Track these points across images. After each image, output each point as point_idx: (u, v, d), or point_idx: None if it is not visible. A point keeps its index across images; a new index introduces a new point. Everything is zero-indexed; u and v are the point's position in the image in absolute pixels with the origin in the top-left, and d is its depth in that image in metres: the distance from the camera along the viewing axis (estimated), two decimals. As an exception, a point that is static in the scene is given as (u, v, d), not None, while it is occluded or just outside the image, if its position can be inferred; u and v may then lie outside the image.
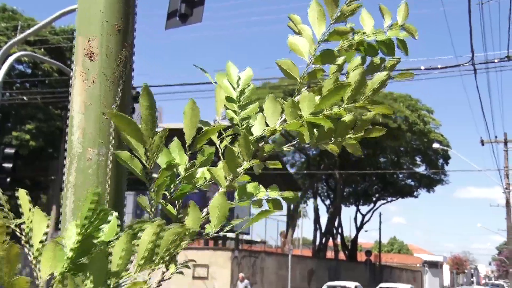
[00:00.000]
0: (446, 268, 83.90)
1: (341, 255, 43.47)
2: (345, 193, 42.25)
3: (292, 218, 32.14)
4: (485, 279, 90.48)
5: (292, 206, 34.88)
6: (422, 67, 13.63)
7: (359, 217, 45.28)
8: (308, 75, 1.27)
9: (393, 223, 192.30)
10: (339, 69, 1.28)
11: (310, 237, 46.47)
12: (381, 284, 25.50)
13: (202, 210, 1.25)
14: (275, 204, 1.37)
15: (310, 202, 41.84)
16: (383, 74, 1.21)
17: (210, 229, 1.21)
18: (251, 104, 1.34)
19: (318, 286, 27.19)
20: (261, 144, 1.29)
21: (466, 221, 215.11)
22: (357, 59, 1.30)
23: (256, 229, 41.87)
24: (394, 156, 38.24)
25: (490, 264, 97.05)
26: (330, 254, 42.70)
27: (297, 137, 1.29)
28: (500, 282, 59.44)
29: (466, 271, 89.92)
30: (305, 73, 1.26)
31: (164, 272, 1.19)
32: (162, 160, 1.18)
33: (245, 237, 30.46)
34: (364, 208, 45.99)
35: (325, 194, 42.94)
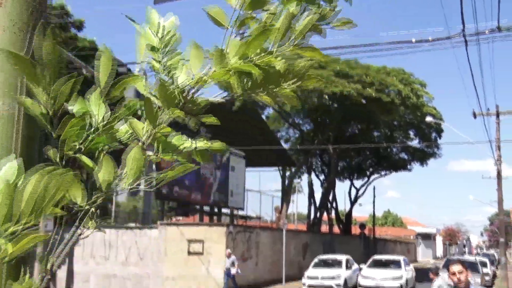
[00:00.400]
0: (439, 240, 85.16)
1: (336, 229, 43.91)
2: (339, 168, 42.47)
3: (287, 194, 32.36)
4: (477, 249, 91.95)
5: (286, 181, 35.13)
6: (413, 40, 13.57)
7: (353, 192, 45.68)
8: (239, 24, 1.19)
9: (387, 197, 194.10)
10: (273, 17, 1.20)
11: (305, 212, 46.98)
12: (374, 256, 25.85)
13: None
14: (203, 156, 1.31)
15: (305, 177, 42.09)
16: (310, 17, 1.16)
17: (126, 183, 1.17)
18: (175, 53, 1.25)
19: (312, 260, 27.54)
20: (189, 95, 1.22)
21: (459, 193, 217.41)
22: (294, 7, 1.21)
23: (251, 205, 42.14)
24: (388, 130, 38.36)
25: (482, 234, 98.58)
26: (324, 228, 43.13)
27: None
28: (491, 251, 60.43)
29: (458, 242, 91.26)
30: (234, 19, 1.18)
31: (79, 229, 1.16)
32: (74, 108, 1.12)
33: (240, 212, 30.71)
34: (358, 183, 46.37)
35: (319, 169, 43.16)
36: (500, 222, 27.32)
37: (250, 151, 28.40)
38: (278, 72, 1.18)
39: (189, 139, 1.29)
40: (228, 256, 19.91)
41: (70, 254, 21.35)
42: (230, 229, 21.96)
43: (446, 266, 24.21)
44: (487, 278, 26.93)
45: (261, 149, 27.75)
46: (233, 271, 19.65)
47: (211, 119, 1.29)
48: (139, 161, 1.14)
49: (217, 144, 1.27)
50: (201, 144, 1.27)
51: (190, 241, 20.88)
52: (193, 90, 1.21)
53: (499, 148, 25.18)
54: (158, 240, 21.02)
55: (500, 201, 25.85)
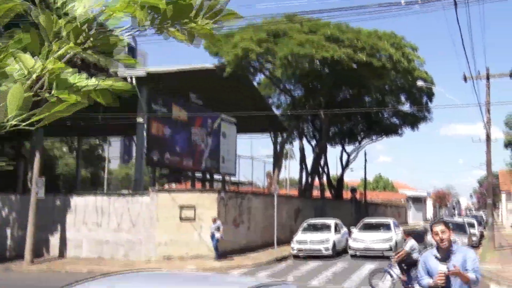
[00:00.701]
0: (429, 203, 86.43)
1: (328, 194, 44.38)
2: (330, 133, 42.60)
3: (278, 159, 32.52)
4: (466, 211, 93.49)
5: (278, 147, 35.21)
6: (403, 2, 13.41)
7: (345, 157, 45.97)
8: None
9: (379, 162, 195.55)
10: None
11: (297, 177, 47.24)
12: (364, 219, 26.25)
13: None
14: (104, 96, 1.25)
15: (296, 143, 42.23)
16: None
17: (5, 118, 1.12)
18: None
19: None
20: (92, 30, 1.15)
21: (450, 157, 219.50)
22: None
23: (243, 171, 42.33)
24: (379, 95, 38.33)
25: (471, 197, 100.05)
26: (316, 193, 43.59)
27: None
28: (480, 213, 61.48)
29: (448, 204, 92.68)
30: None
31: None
32: None
33: (232, 178, 30.90)
34: (349, 148, 46.63)
35: (311, 134, 43.26)
36: (488, 184, 27.69)
37: (241, 118, 28.39)
38: (190, 6, 1.12)
39: (91, 78, 1.23)
40: (214, 221, 20.07)
41: (62, 221, 21.51)
42: (221, 195, 22.12)
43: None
44: (474, 238, 27.49)
45: (252, 115, 27.72)
46: (217, 235, 19.78)
47: (131, 61, 1.22)
48: (19, 97, 1.07)
49: (119, 84, 1.20)
50: (102, 83, 1.20)
51: (182, 207, 21.05)
52: (95, 25, 1.14)
53: (488, 111, 25.30)
54: (150, 206, 21.17)
55: (488, 164, 26.14)
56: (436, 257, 5.23)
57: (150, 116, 22.53)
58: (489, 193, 27.49)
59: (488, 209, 28.16)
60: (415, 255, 13.13)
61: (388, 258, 21.12)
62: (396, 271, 13.40)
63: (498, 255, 23.39)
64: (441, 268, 5.06)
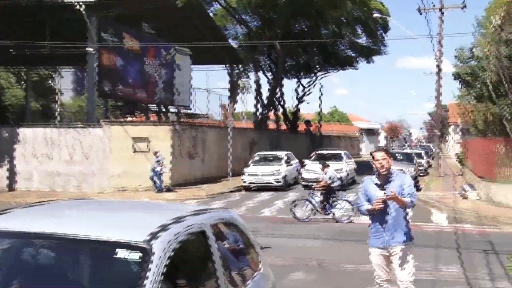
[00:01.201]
0: (382, 135, 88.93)
1: (283, 127, 44.84)
2: (286, 66, 42.43)
3: (234, 91, 32.30)
4: (416, 143, 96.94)
5: (233, 78, 34.88)
6: None
7: (301, 90, 46.18)
8: None
9: (336, 94, 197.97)
10: None
11: (253, 111, 47.34)
12: (317, 151, 26.79)
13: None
14: None
15: (253, 76, 41.96)
16: None
17: None
18: None
19: (258, 155, 28.20)
20: None
21: (404, 90, 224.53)
22: None
23: (199, 103, 42.01)
24: (335, 27, 38.07)
25: (422, 129, 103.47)
26: (272, 125, 43.96)
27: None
28: (429, 144, 63.89)
29: (400, 136, 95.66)
30: None
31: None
32: None
33: (188, 111, 30.61)
34: (305, 80, 46.76)
35: (267, 66, 42.97)
36: (437, 116, 28.61)
37: (196, 49, 27.74)
38: None
39: None
40: (155, 154, 19.77)
41: (10, 153, 21.00)
42: (175, 127, 21.98)
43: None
44: (421, 168, 28.70)
45: (208, 46, 27.10)
46: (159, 169, 19.57)
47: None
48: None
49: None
50: None
51: (135, 140, 20.85)
52: None
53: (440, 43, 25.65)
54: (103, 138, 20.87)
55: (438, 96, 26.86)
56: (375, 184, 5.43)
57: (101, 45, 21.70)
58: (437, 124, 28.45)
59: (436, 140, 29.26)
60: (335, 184, 14.35)
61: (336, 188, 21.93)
62: (317, 199, 14.45)
63: (442, 183, 24.62)
64: (379, 194, 5.27)
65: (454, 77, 26.88)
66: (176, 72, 27.15)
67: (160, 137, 21.18)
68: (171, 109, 29.24)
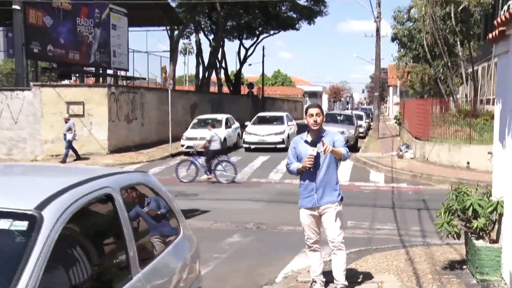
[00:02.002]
0: (325, 97, 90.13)
1: (226, 89, 44.33)
2: (228, 27, 41.62)
3: (173, 52, 31.37)
4: (358, 105, 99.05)
5: (174, 40, 33.83)
6: None
7: (243, 51, 45.59)
8: None
9: (280, 58, 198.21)
10: None
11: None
12: (259, 113, 26.64)
13: None
14: None
15: (194, 39, 40.90)
16: None
17: None
18: None
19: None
20: None
21: (346, 53, 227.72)
22: None
23: (138, 65, 40.66)
24: (277, -12, 37.55)
25: (363, 91, 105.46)
26: (214, 88, 43.37)
27: None
28: (370, 106, 65.36)
29: (342, 99, 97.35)
30: None
31: None
32: None
33: (127, 74, 29.46)
34: (247, 43, 46.18)
35: (208, 28, 42.00)
36: (376, 78, 29.02)
37: (133, 8, 26.53)
38: None
39: None
40: (66, 121, 18.53)
41: None
42: (111, 90, 21.10)
43: (325, 120, 25.78)
44: (361, 130, 29.24)
45: (145, 5, 25.97)
46: (69, 136, 18.33)
47: None
48: None
49: None
50: None
51: (69, 103, 19.87)
52: None
53: (379, 4, 25.77)
54: (33, 102, 19.76)
55: (377, 57, 27.16)
56: (306, 142, 5.24)
57: (27, 2, 20.26)
58: (376, 86, 28.88)
59: (375, 102, 29.76)
60: (213, 145, 14.93)
61: (280, 150, 21.99)
62: (200, 160, 14.95)
63: (380, 144, 25.18)
64: (311, 151, 5.10)
65: (392, 39, 27.27)
66: (111, 32, 25.89)
67: (96, 100, 20.30)
68: (110, 72, 28.05)
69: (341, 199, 5.30)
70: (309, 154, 5.10)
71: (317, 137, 5.17)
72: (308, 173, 5.22)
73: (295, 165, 5.30)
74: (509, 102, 4.94)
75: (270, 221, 9.85)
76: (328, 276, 5.37)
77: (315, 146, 5.13)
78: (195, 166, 14.90)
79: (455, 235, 5.47)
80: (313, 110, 5.24)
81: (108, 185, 2.75)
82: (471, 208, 5.22)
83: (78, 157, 18.87)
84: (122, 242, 2.68)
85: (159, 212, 3.41)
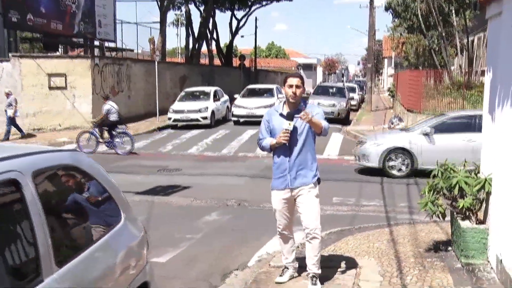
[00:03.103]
0: (319, 70, 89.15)
1: (217, 62, 43.48)
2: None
3: (162, 23, 30.51)
4: (353, 78, 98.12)
5: (162, 10, 32.93)
6: None
7: (235, 23, 44.59)
8: None
9: (276, 30, 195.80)
10: None
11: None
12: (248, 86, 26.00)
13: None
14: None
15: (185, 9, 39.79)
16: None
17: None
18: None
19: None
20: None
21: (342, 25, 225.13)
22: None
23: (127, 37, 39.76)
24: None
25: (358, 64, 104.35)
26: (205, 61, 42.53)
27: None
28: (365, 79, 64.70)
29: (337, 71, 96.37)
30: None
31: None
32: None
33: (112, 45, 28.66)
34: (240, 14, 45.15)
35: (200, -1, 40.92)
36: (369, 49, 28.35)
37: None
38: None
39: None
40: (7, 96, 17.54)
41: None
42: (95, 61, 20.43)
43: (316, 92, 25.22)
44: (353, 102, 28.72)
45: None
46: (9, 112, 17.30)
47: None
48: None
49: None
50: None
51: (50, 75, 19.24)
52: None
53: (373, -27, 24.96)
54: (13, 74, 19.10)
55: (371, 28, 26.47)
56: (282, 115, 4.72)
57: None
58: (369, 57, 28.26)
59: (368, 74, 29.18)
60: (112, 117, 14.85)
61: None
62: (97, 132, 15.01)
63: (373, 117, 24.71)
64: (286, 126, 4.58)
65: (386, 8, 26.56)
66: (96, 1, 25.01)
67: (79, 72, 19.66)
68: (97, 43, 27.21)
69: (318, 181, 4.76)
70: (285, 129, 4.57)
71: (294, 111, 4.65)
72: (282, 150, 4.70)
73: (268, 141, 4.77)
74: (500, 70, 4.46)
75: (252, 197, 9.47)
76: (302, 261, 4.96)
77: (292, 119, 4.60)
78: (95, 138, 14.95)
79: (440, 215, 5.06)
80: (293, 80, 4.67)
81: (14, 169, 2.28)
82: (457, 186, 4.79)
83: (23, 135, 17.64)
84: (31, 238, 2.23)
85: (93, 199, 2.95)
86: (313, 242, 4.67)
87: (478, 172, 5.17)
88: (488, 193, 4.64)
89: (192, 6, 39.06)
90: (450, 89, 19.22)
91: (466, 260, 4.74)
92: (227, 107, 23.77)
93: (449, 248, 5.41)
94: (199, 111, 20.87)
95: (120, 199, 3.18)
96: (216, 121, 21.92)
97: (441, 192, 5.07)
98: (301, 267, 5.00)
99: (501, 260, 4.12)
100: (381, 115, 25.25)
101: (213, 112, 21.39)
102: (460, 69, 24.54)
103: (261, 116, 20.41)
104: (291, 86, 4.65)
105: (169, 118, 21.01)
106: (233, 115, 22.23)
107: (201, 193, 9.87)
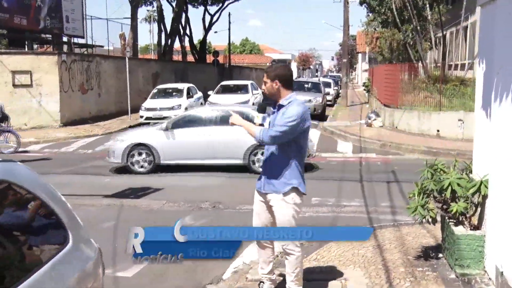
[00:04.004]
0: (293, 65, 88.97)
1: (191, 58, 42.74)
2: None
3: (132, 18, 29.69)
4: (327, 73, 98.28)
5: (133, 4, 32.10)
6: None
7: (208, 18, 43.91)
8: None
9: (250, 26, 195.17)
10: None
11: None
12: (222, 82, 25.44)
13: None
14: None
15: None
16: None
17: None
18: None
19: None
20: None
21: (316, 19, 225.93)
22: None
23: (98, 33, 38.70)
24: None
25: (332, 59, 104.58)
26: (178, 57, 41.76)
27: None
28: (339, 74, 64.70)
29: (311, 66, 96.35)
30: None
31: None
32: None
33: (81, 41, 27.73)
34: (213, 9, 44.50)
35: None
36: (344, 43, 28.07)
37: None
38: None
39: None
40: None
41: None
42: (62, 58, 19.60)
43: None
44: (329, 97, 28.43)
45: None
46: None
47: None
48: None
49: None
50: None
51: (14, 72, 18.36)
52: None
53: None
54: (-26, 72, 18.19)
55: (345, 22, 26.18)
56: (257, 108, 4.30)
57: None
58: (344, 52, 27.99)
59: (343, 68, 28.92)
60: None
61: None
62: None
63: (349, 112, 24.48)
64: (255, 119, 4.20)
65: (361, 3, 26.30)
66: (63, -4, 24.09)
67: (45, 69, 18.83)
68: (65, 39, 26.25)
69: (297, 191, 4.11)
70: (253, 122, 4.15)
71: (277, 107, 4.15)
72: (266, 148, 4.26)
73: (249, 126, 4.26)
74: (496, 61, 4.07)
75: (229, 199, 8.98)
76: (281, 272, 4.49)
77: (264, 112, 4.15)
78: None
79: (430, 220, 4.66)
80: (264, 76, 4.22)
81: None
82: (449, 188, 4.39)
83: None
84: None
85: (31, 220, 2.43)
86: (288, 258, 4.15)
87: (470, 172, 4.79)
88: (484, 197, 4.25)
89: (164, 2, 38.29)
90: (426, 83, 19.04)
91: (461, 270, 4.33)
92: (201, 104, 23.16)
93: (440, 255, 5.01)
94: (172, 108, 20.25)
95: (68, 217, 2.65)
96: (191, 119, 21.32)
97: (432, 195, 4.67)
98: (281, 279, 4.54)
99: (501, 272, 3.73)
100: (357, 110, 25.02)
101: (186, 110, 20.77)
102: (435, 63, 24.46)
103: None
104: (263, 81, 4.21)
105: (141, 116, 20.32)
106: (207, 112, 21.62)
107: (173, 195, 9.34)
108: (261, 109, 4.09)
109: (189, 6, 42.18)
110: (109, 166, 12.56)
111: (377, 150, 14.26)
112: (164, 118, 20.07)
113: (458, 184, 4.38)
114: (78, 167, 12.40)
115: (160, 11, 35.37)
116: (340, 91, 34.70)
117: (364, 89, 35.74)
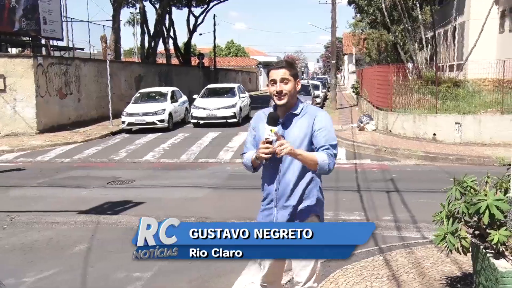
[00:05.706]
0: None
1: (175, 61, 41.82)
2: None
3: (114, 20, 28.68)
4: (313, 75, 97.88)
5: (115, 6, 31.08)
6: None
7: (192, 20, 43.05)
8: None
9: (235, 29, 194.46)
10: None
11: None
12: (208, 86, 24.57)
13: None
14: None
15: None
16: None
17: None
18: None
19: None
20: None
21: (301, 21, 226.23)
22: None
23: (79, 36, 37.61)
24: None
25: (318, 61, 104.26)
26: (162, 60, 40.80)
27: None
28: (325, 76, 64.20)
29: (297, 68, 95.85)
30: None
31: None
32: None
33: (59, 43, 26.66)
34: (198, 11, 43.69)
35: (155, -5, 39.16)
36: (332, 44, 27.38)
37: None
38: None
39: None
40: None
41: None
42: (38, 61, 18.57)
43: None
44: (318, 100, 27.72)
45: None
46: None
47: None
48: None
49: None
50: None
51: (-15, 77, 17.33)
52: None
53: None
54: None
55: (333, 23, 25.50)
56: (268, 120, 3.04)
57: None
58: (332, 54, 27.30)
59: (332, 70, 28.23)
60: None
61: (232, 125, 20.16)
62: None
63: (339, 115, 23.75)
64: (267, 134, 2.98)
65: (349, 2, 25.64)
66: (40, -3, 23.03)
67: (19, 73, 17.80)
68: (44, 42, 25.16)
69: (318, 216, 3.34)
70: (264, 138, 3.02)
71: (287, 116, 3.24)
72: (267, 169, 3.28)
73: (249, 155, 3.32)
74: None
75: (215, 213, 8.20)
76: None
77: (276, 124, 3.04)
78: None
79: (462, 250, 3.87)
80: (276, 74, 3.18)
81: None
82: (486, 212, 3.61)
83: None
84: None
85: None
86: None
87: (507, 192, 4.01)
88: (532, 223, 3.48)
89: (147, 3, 37.33)
90: (419, 85, 18.41)
91: (506, 314, 3.55)
92: (186, 108, 22.29)
93: (470, 288, 4.24)
94: (156, 113, 19.33)
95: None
96: (174, 124, 20.41)
97: (462, 220, 3.89)
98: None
99: None
100: (347, 113, 24.34)
101: (170, 114, 19.87)
102: (427, 64, 23.88)
103: (222, 118, 18.76)
104: (274, 82, 3.19)
105: (123, 122, 19.36)
106: (192, 117, 20.76)
107: (155, 210, 8.47)
108: (273, 121, 3.05)
109: (173, 8, 41.31)
110: (87, 176, 11.66)
111: (372, 156, 13.54)
112: (147, 123, 19.23)
113: (497, 207, 3.60)
114: (54, 179, 11.49)
115: (143, 12, 34.39)
116: (328, 93, 34.02)
117: (353, 91, 35.13)
